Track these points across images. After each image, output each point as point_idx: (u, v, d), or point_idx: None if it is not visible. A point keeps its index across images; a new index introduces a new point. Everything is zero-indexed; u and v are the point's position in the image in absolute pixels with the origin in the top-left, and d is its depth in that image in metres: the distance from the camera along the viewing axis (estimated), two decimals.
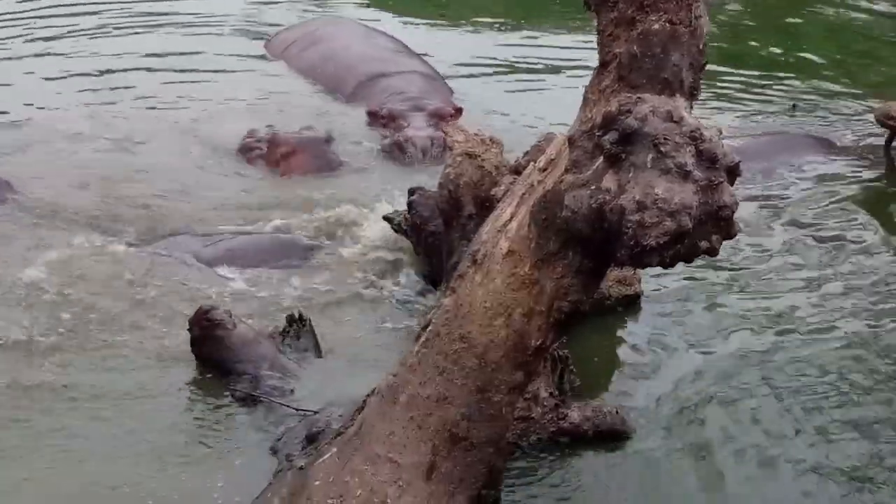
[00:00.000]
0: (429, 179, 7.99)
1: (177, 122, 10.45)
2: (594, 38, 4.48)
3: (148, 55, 12.35)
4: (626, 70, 4.37)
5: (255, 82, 11.69)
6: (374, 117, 10.46)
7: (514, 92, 11.78)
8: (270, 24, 13.63)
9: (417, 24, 14.18)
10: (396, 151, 9.76)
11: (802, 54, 13.33)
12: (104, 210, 8.57)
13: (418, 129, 9.84)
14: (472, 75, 12.28)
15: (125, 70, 11.84)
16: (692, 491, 5.55)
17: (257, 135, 9.70)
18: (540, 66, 12.70)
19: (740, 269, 7.86)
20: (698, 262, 4.43)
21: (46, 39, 12.79)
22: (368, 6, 15.02)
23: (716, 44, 13.08)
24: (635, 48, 4.37)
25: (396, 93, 10.74)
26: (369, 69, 11.47)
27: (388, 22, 13.80)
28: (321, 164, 9.42)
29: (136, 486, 5.49)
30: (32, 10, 13.97)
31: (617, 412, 5.96)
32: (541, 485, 5.59)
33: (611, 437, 5.90)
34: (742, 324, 7.15)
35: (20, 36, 12.97)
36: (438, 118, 10.00)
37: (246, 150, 9.60)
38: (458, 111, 10.34)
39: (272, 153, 9.46)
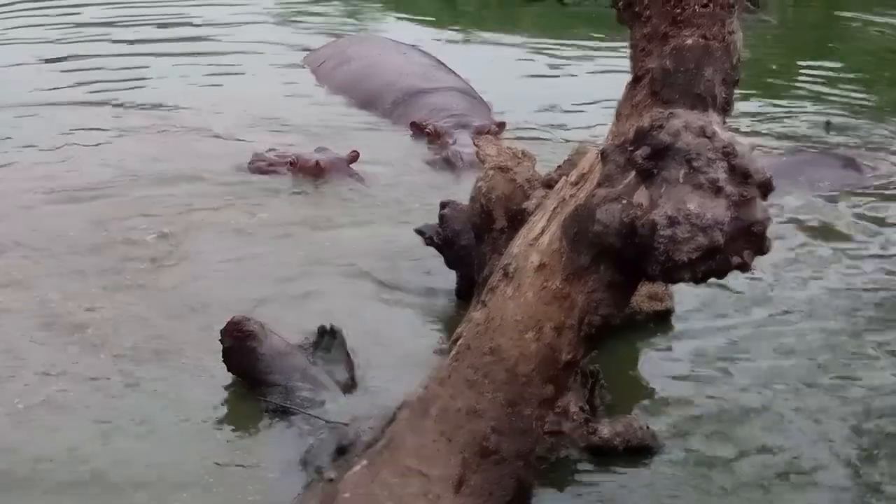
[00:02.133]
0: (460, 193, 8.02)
1: (209, 136, 10.52)
2: (625, 51, 4.49)
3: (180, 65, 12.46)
4: (659, 85, 4.38)
5: (289, 98, 11.75)
6: (418, 129, 10.57)
7: (545, 107, 11.79)
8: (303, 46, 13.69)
9: (443, 37, 14.23)
10: (446, 166, 9.96)
11: (838, 72, 13.27)
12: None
13: (464, 146, 9.92)
14: (503, 88, 12.32)
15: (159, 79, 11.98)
16: None
17: (264, 155, 9.74)
18: (571, 79, 12.72)
19: (773, 284, 7.83)
20: (730, 277, 4.41)
21: (82, 57, 12.88)
22: (398, 19, 15.08)
23: (750, 59, 13.07)
24: (668, 63, 4.37)
25: (438, 109, 10.85)
26: (407, 85, 11.55)
27: (417, 34, 13.84)
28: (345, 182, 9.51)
29: (166, 498, 5.51)
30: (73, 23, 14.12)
31: (648, 427, 5.94)
32: (570, 500, 5.57)
33: (641, 452, 5.87)
34: (774, 340, 7.11)
35: (66, 57, 13.09)
36: (485, 134, 10.08)
37: (255, 171, 9.65)
38: (501, 126, 10.44)
39: (296, 174, 9.50)
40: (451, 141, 10.28)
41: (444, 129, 10.47)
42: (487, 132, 9.97)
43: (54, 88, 11.89)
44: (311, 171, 9.43)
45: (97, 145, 10.38)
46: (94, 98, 11.60)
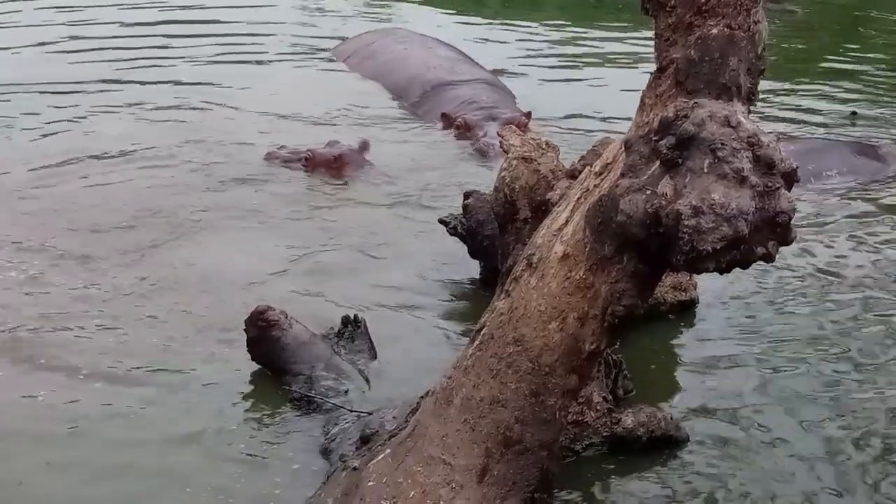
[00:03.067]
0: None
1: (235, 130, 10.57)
2: (649, 39, 4.48)
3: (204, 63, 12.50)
4: (684, 75, 4.37)
5: (317, 90, 11.77)
6: (448, 121, 10.61)
7: (568, 97, 11.79)
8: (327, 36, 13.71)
9: (467, 26, 14.23)
10: (479, 157, 10.09)
11: (864, 63, 13.21)
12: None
13: (495, 138, 9.93)
14: (527, 75, 12.33)
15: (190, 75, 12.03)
16: (747, 499, 5.51)
17: (277, 152, 9.76)
18: (595, 68, 12.71)
19: (797, 274, 7.81)
20: (755, 267, 4.40)
21: (115, 59, 12.92)
22: (421, 9, 15.07)
23: (775, 48, 13.02)
24: (693, 53, 4.36)
25: (468, 102, 10.89)
26: (433, 78, 11.60)
27: (440, 23, 13.83)
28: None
29: (192, 487, 5.54)
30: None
31: (671, 418, 5.93)
32: (593, 490, 5.58)
33: (665, 443, 5.87)
34: (800, 330, 7.10)
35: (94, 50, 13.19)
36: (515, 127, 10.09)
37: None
38: (528, 116, 10.48)
39: (312, 169, 9.51)
40: (481, 133, 10.34)
41: (474, 121, 10.53)
42: (517, 124, 9.99)
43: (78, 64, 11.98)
44: (330, 165, 9.44)
45: (114, 124, 10.55)
46: (116, 77, 11.66)
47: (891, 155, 9.86)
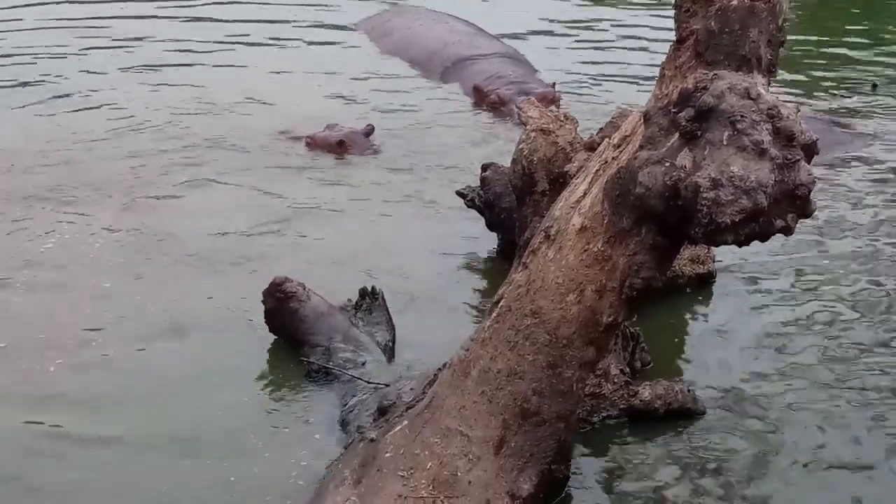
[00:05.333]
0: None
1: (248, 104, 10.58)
2: (670, 12, 4.45)
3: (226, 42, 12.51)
4: (704, 46, 4.35)
5: (338, 68, 11.74)
6: (480, 95, 10.57)
7: (587, 69, 11.74)
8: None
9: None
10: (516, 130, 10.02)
11: (885, 34, 13.11)
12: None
13: None
14: (546, 49, 12.28)
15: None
16: (762, 471, 5.51)
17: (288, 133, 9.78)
18: (615, 40, 12.66)
19: (816, 249, 7.78)
20: (773, 240, 4.38)
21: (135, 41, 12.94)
22: None
23: (795, 20, 12.95)
24: (713, 24, 4.34)
25: (495, 76, 10.83)
26: (453, 54, 11.55)
27: None
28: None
29: (211, 459, 5.58)
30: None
31: (689, 391, 5.93)
32: (610, 462, 5.59)
33: (682, 415, 5.87)
34: (817, 304, 7.07)
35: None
36: (546, 102, 10.06)
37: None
38: (552, 86, 10.47)
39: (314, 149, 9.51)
40: (515, 108, 10.30)
41: (508, 96, 10.49)
42: (551, 99, 9.97)
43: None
44: (333, 149, 9.40)
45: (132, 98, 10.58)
46: (136, 63, 11.65)
47: (858, 136, 9.79)
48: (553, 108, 8.27)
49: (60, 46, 11.92)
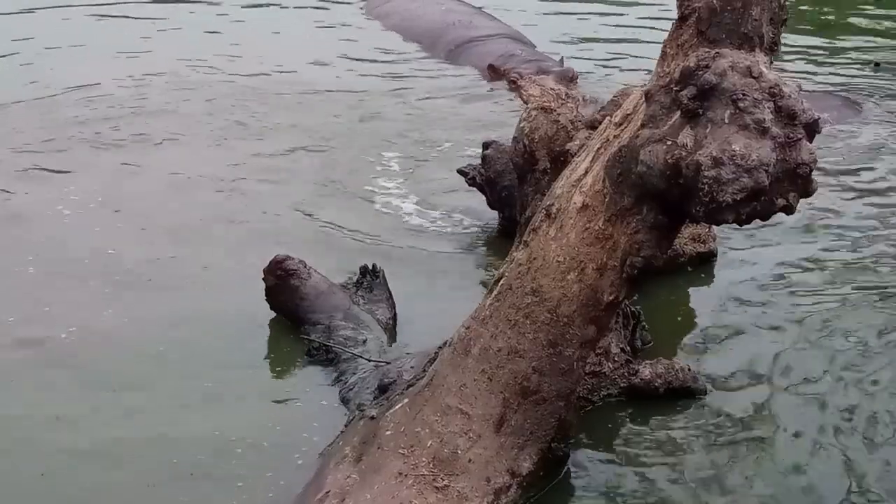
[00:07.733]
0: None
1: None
2: None
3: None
4: (706, 24, 4.34)
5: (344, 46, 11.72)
6: (496, 73, 10.54)
7: (588, 47, 11.71)
8: None
9: None
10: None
11: (889, 10, 13.07)
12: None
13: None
14: (546, 28, 12.26)
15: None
16: (764, 449, 5.51)
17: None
18: (616, 18, 12.63)
19: (819, 228, 7.77)
20: (775, 219, 4.38)
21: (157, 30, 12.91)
22: None
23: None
24: (715, 2, 4.33)
25: (506, 56, 10.78)
26: (457, 35, 11.49)
27: None
28: None
29: (222, 433, 5.59)
30: None
31: (689, 369, 5.93)
32: (610, 440, 5.59)
33: (682, 394, 5.87)
34: (819, 284, 7.07)
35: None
36: (565, 80, 10.03)
37: None
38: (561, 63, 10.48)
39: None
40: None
41: (528, 74, 10.44)
42: (570, 77, 9.94)
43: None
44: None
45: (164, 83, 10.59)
46: (155, 49, 11.64)
47: (869, 110, 9.78)
48: (573, 85, 8.24)
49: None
